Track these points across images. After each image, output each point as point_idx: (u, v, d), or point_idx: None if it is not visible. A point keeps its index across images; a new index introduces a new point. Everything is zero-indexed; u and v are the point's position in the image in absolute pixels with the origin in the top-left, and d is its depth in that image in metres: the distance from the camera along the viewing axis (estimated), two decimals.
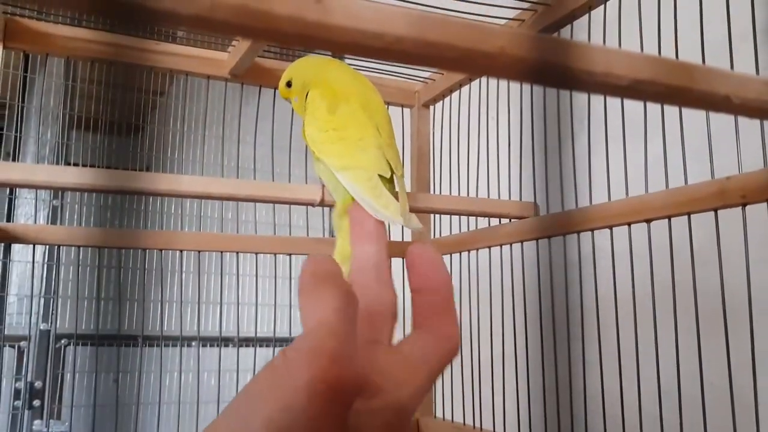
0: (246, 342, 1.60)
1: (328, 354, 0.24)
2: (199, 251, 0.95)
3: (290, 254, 0.99)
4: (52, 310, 2.16)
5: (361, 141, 0.72)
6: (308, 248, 0.99)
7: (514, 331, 0.91)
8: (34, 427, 2.05)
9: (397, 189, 0.73)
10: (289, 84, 0.79)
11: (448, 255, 1.03)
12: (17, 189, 2.15)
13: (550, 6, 0.83)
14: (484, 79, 1.02)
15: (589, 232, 0.78)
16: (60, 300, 2.25)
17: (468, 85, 1.04)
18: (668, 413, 0.68)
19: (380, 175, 0.71)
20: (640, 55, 0.32)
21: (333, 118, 0.74)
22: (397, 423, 0.28)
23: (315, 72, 0.79)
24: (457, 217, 1.02)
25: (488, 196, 1.00)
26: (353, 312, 0.27)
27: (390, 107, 0.99)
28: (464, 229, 1.04)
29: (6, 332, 2.18)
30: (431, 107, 1.12)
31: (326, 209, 0.77)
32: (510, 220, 0.91)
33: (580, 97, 0.88)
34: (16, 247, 2.20)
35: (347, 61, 0.88)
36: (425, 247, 0.33)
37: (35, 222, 2.25)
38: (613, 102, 0.79)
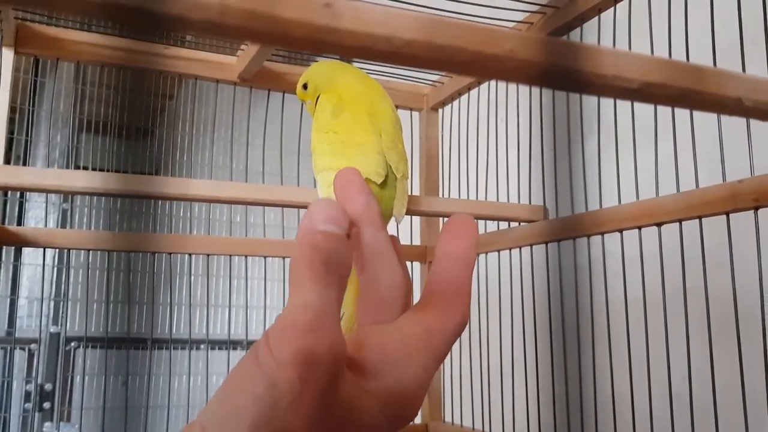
0: None
1: (303, 325, 0.24)
2: (208, 255, 0.95)
3: None
4: (62, 312, 2.17)
5: (362, 146, 0.73)
6: None
7: (523, 336, 0.90)
8: (44, 429, 2.06)
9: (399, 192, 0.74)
10: (305, 87, 0.81)
11: None
12: (28, 193, 2.16)
13: (559, 9, 0.83)
14: (492, 82, 1.01)
15: (599, 236, 0.78)
16: (70, 303, 2.26)
17: (477, 88, 1.04)
18: (680, 418, 0.68)
19: (377, 183, 0.72)
20: (650, 57, 0.32)
21: (336, 123, 0.74)
22: (398, 407, 0.27)
23: (327, 76, 0.80)
24: None
25: (497, 200, 1.00)
26: (339, 278, 0.26)
27: (399, 110, 0.99)
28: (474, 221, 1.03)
29: (16, 335, 2.19)
30: (440, 110, 1.12)
31: None
32: (519, 224, 0.91)
33: (590, 100, 0.88)
34: (26, 251, 2.21)
35: (356, 64, 0.88)
36: (469, 217, 0.32)
37: (45, 225, 2.26)
38: (623, 105, 0.79)
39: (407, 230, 1.22)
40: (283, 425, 0.23)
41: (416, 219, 1.15)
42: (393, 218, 0.72)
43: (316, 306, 0.25)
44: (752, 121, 0.60)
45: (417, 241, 1.17)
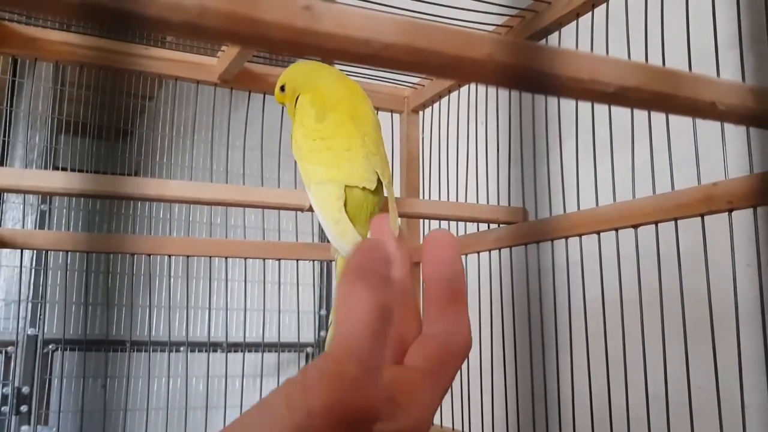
0: (235, 347, 1.59)
1: (348, 380, 0.23)
2: (187, 256, 0.95)
3: (279, 260, 0.99)
4: (40, 315, 2.15)
5: (349, 151, 0.73)
6: (297, 253, 0.99)
7: (503, 337, 0.91)
8: None
9: (386, 195, 0.74)
10: (283, 89, 0.80)
11: None
12: (5, 194, 2.14)
13: (537, 13, 0.84)
14: (473, 85, 1.02)
15: (577, 238, 0.79)
16: (48, 305, 2.24)
17: (457, 90, 1.05)
18: (656, 417, 0.68)
19: (365, 187, 0.72)
20: (625, 62, 0.32)
21: (321, 127, 0.74)
22: None
23: (305, 76, 0.80)
24: (447, 222, 1.03)
25: (477, 201, 1.00)
26: (385, 325, 0.25)
27: (379, 113, 0.99)
28: (454, 234, 1.04)
29: None
30: (420, 113, 1.13)
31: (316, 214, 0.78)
32: (499, 226, 0.91)
33: (568, 103, 0.89)
34: (3, 252, 2.19)
35: (336, 66, 0.88)
36: (445, 233, 0.31)
37: (23, 226, 2.24)
38: (601, 108, 0.79)
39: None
40: None
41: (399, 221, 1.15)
42: (346, 249, 0.71)
43: (364, 358, 0.24)
44: (726, 125, 0.61)
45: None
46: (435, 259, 0.31)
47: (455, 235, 1.02)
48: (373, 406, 0.23)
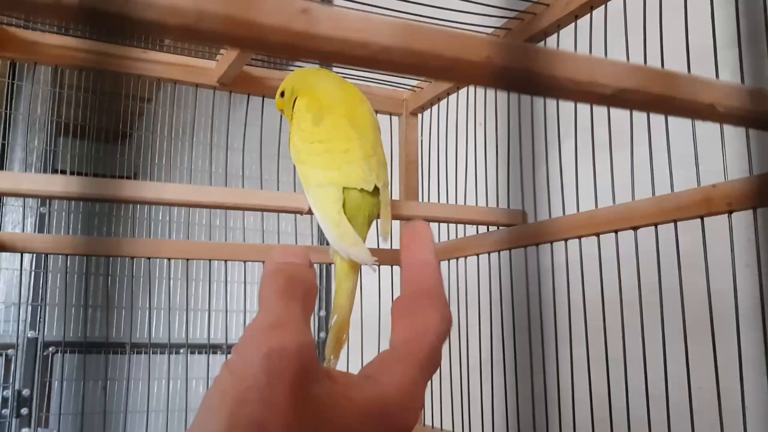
0: None
1: (267, 325, 0.25)
2: (187, 259, 0.95)
3: None
4: (40, 317, 2.15)
5: (347, 153, 0.73)
6: None
7: (502, 338, 0.91)
8: None
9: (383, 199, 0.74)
10: (283, 95, 0.80)
11: None
12: (4, 197, 2.14)
13: (536, 15, 0.84)
14: (471, 88, 1.02)
15: (577, 240, 0.79)
16: (47, 307, 2.24)
17: (456, 93, 1.05)
18: (656, 417, 0.68)
19: (363, 189, 0.72)
20: (624, 64, 0.32)
21: (318, 130, 0.74)
22: (384, 418, 0.27)
23: (303, 80, 0.80)
24: (446, 224, 1.03)
25: (476, 204, 1.00)
26: (300, 298, 0.28)
27: (378, 115, 0.99)
28: (453, 236, 1.04)
29: None
30: (419, 115, 1.13)
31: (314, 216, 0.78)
32: (498, 228, 0.91)
33: (567, 104, 0.89)
34: (3, 255, 2.19)
35: (335, 69, 0.88)
36: (422, 222, 0.34)
37: (23, 228, 2.24)
38: (600, 108, 0.79)
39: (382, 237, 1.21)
40: (257, 421, 0.23)
41: (395, 223, 1.15)
42: (349, 252, 0.71)
43: (279, 312, 0.26)
44: (726, 126, 0.61)
45: (396, 245, 1.18)
46: (410, 248, 0.33)
47: (455, 237, 1.02)
48: (304, 347, 0.25)
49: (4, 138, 2.26)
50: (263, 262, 0.98)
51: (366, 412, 0.26)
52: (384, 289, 1.05)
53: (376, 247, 0.84)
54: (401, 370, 0.28)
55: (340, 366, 0.71)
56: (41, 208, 2.28)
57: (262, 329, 0.25)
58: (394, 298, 0.32)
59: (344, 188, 0.72)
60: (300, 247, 0.31)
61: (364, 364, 0.29)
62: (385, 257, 0.94)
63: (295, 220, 0.93)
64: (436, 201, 1.13)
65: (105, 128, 2.39)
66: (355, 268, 0.72)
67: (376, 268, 0.69)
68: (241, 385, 0.24)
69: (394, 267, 1.05)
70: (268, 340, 0.25)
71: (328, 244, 0.73)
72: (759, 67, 0.68)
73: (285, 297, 0.27)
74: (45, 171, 2.25)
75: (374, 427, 0.26)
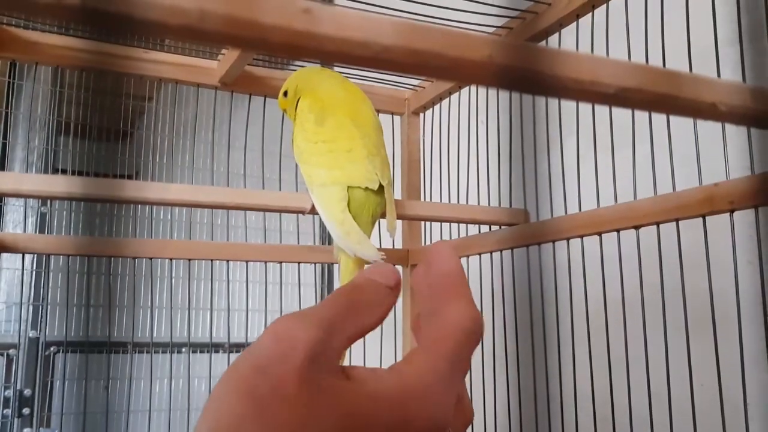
0: (237, 348, 1.59)
1: (294, 318, 0.26)
2: (189, 259, 0.95)
3: (280, 262, 0.99)
4: (42, 317, 2.15)
5: (350, 152, 0.73)
6: (299, 256, 0.99)
7: (504, 337, 0.91)
8: None
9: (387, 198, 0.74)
10: (285, 95, 0.81)
11: None
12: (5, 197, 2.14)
13: (538, 14, 0.83)
14: (473, 87, 1.02)
15: (579, 239, 0.79)
16: (49, 307, 2.24)
17: (457, 92, 1.05)
18: (658, 415, 0.68)
19: (368, 187, 0.72)
20: (626, 63, 0.32)
21: (322, 130, 0.74)
22: (402, 409, 0.26)
23: (306, 80, 0.80)
24: (448, 224, 1.03)
25: (479, 203, 1.00)
26: (353, 319, 0.29)
27: (380, 115, 0.99)
28: (455, 235, 1.04)
29: None
30: (421, 114, 1.13)
31: (317, 215, 0.78)
32: (500, 227, 0.91)
33: (569, 104, 0.89)
34: (4, 255, 2.19)
35: (337, 69, 0.88)
36: (445, 243, 0.34)
37: (24, 228, 2.24)
38: (602, 107, 0.79)
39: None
40: (258, 394, 0.24)
41: (398, 222, 1.16)
42: (356, 249, 0.71)
43: (317, 311, 0.27)
44: (727, 125, 0.61)
45: (399, 245, 1.18)
46: (437, 261, 0.33)
47: (457, 236, 1.02)
48: (314, 341, 0.26)
49: (4, 137, 2.26)
50: (265, 262, 0.98)
51: (385, 404, 0.26)
52: None
53: (379, 247, 0.84)
54: (423, 360, 0.28)
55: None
56: (42, 208, 2.28)
57: (287, 319, 0.26)
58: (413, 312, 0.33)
59: (348, 187, 0.72)
60: (391, 268, 0.32)
61: (366, 361, 0.30)
62: (389, 256, 0.94)
63: (297, 219, 0.93)
64: (438, 200, 1.13)
65: (106, 127, 2.39)
66: (360, 266, 0.72)
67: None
68: (249, 360, 0.25)
69: (395, 266, 1.04)
70: (287, 329, 0.26)
71: (331, 243, 0.73)
72: (760, 64, 0.68)
73: (338, 304, 0.28)
74: (46, 170, 2.26)
75: (395, 418, 0.26)
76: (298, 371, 0.25)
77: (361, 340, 0.30)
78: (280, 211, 0.78)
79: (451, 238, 1.04)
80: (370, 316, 0.30)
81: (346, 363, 0.28)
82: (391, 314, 0.32)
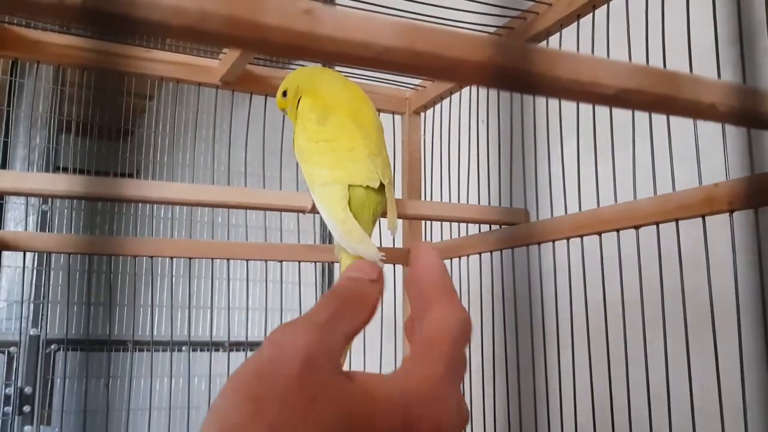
0: (237, 346, 1.60)
1: (289, 324, 0.28)
2: (190, 258, 0.95)
3: (281, 261, 0.99)
4: (42, 315, 2.15)
5: (352, 152, 0.73)
6: (299, 255, 0.99)
7: (504, 337, 0.91)
8: None
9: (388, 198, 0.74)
10: (285, 94, 0.81)
11: None
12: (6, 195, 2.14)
13: (538, 15, 0.84)
14: (474, 86, 1.02)
15: (578, 239, 0.79)
16: (50, 305, 2.24)
17: (458, 92, 1.05)
18: (657, 416, 0.68)
19: (369, 186, 0.72)
20: (626, 64, 0.32)
21: (323, 129, 0.75)
22: (404, 411, 0.26)
23: (306, 80, 0.80)
24: (448, 223, 1.03)
25: (479, 203, 1.00)
26: (347, 316, 0.30)
27: (381, 114, 0.99)
28: (455, 235, 1.04)
29: None
30: (422, 114, 1.13)
31: (317, 214, 0.78)
32: (501, 227, 0.91)
33: (569, 104, 0.89)
34: (5, 253, 2.19)
35: (338, 69, 0.88)
36: (426, 244, 0.35)
37: (25, 226, 2.24)
38: (601, 109, 0.79)
39: (389, 233, 1.22)
40: (258, 395, 0.25)
41: (399, 222, 1.16)
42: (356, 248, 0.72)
43: (312, 315, 0.29)
44: (727, 125, 0.61)
45: (400, 244, 1.18)
46: (419, 264, 0.34)
47: (458, 235, 1.02)
48: (311, 344, 0.27)
49: (6, 135, 2.26)
50: (266, 261, 0.98)
51: (386, 406, 0.26)
52: (388, 287, 1.05)
53: (380, 246, 0.84)
54: (419, 366, 0.29)
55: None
56: (43, 206, 2.28)
57: (283, 328, 0.27)
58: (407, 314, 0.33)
59: (349, 186, 0.72)
60: (369, 263, 0.34)
61: (366, 361, 0.30)
62: (389, 255, 0.95)
63: (298, 217, 0.93)
64: (439, 200, 1.14)
65: (107, 125, 2.39)
66: None
67: (383, 264, 0.70)
68: (250, 368, 0.26)
69: (396, 266, 1.05)
70: (284, 336, 0.27)
71: (331, 242, 0.74)
72: (760, 64, 0.68)
73: (328, 306, 0.30)
74: (47, 168, 2.25)
75: (396, 421, 0.26)
76: (297, 374, 0.25)
77: (361, 340, 0.31)
78: (281, 209, 0.78)
79: (451, 237, 1.04)
80: (362, 311, 0.31)
81: (346, 368, 0.29)
82: (391, 315, 0.33)
